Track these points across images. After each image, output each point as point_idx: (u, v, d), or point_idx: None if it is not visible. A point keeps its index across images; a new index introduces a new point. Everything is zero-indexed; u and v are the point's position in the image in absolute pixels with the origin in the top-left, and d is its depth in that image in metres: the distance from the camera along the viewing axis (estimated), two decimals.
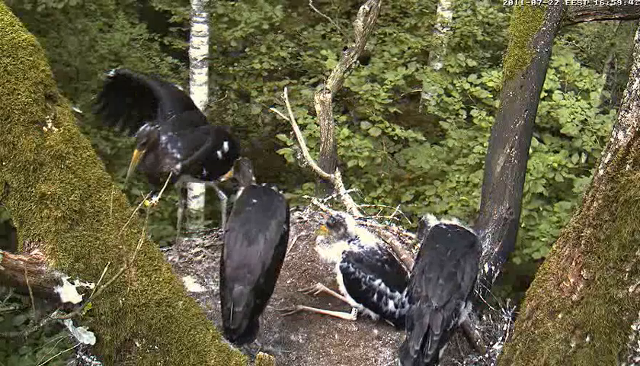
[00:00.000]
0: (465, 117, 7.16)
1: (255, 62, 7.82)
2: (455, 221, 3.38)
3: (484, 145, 6.42)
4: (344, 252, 3.47)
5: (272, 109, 5.99)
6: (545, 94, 6.33)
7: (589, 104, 6.71)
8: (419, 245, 3.46)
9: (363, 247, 3.48)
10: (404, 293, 3.26)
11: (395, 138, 7.10)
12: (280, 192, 3.39)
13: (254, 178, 3.47)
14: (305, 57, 8.05)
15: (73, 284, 2.19)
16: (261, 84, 7.88)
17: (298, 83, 7.79)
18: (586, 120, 6.53)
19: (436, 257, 3.10)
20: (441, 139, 7.43)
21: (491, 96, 7.05)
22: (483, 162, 6.21)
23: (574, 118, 6.47)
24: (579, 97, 6.76)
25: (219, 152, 3.75)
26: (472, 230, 3.41)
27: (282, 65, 8.12)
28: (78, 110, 2.36)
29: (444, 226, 3.31)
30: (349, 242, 3.49)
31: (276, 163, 6.80)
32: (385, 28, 8.34)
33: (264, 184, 3.40)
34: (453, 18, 8.41)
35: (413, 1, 8.91)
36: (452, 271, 3.02)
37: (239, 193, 3.39)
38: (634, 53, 2.18)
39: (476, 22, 8.32)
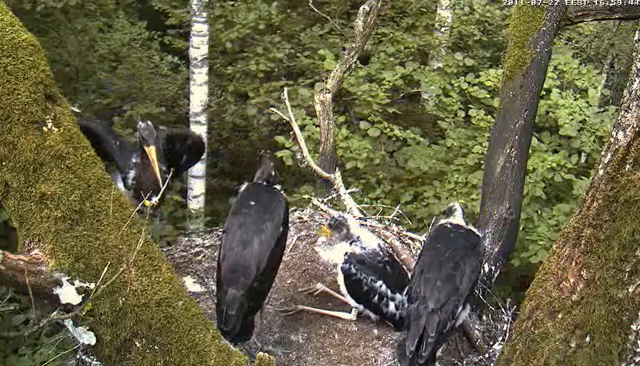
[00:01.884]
0: (463, 116, 7.16)
1: (252, 63, 7.81)
2: (461, 221, 3.36)
3: (483, 145, 6.43)
4: (345, 254, 3.46)
5: (272, 109, 5.99)
6: (544, 93, 6.33)
7: (587, 102, 6.71)
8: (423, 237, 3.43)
9: (365, 248, 3.47)
10: (405, 292, 3.26)
11: (394, 139, 7.10)
12: (282, 192, 3.35)
13: (273, 173, 3.39)
14: (302, 58, 8.05)
15: (73, 284, 2.19)
16: (258, 85, 7.88)
17: (294, 84, 7.78)
18: (585, 120, 6.52)
19: (435, 257, 3.09)
20: (440, 138, 7.43)
21: (489, 96, 7.05)
22: (482, 162, 6.22)
23: (572, 118, 6.46)
24: (577, 96, 6.76)
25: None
26: (476, 231, 3.40)
27: (279, 67, 8.12)
28: (77, 110, 2.36)
29: (449, 226, 3.31)
30: (351, 243, 3.48)
31: (276, 163, 6.79)
32: (383, 28, 8.34)
33: (265, 183, 3.35)
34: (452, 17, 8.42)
35: (411, 1, 8.91)
36: (451, 272, 3.01)
37: (241, 189, 3.35)
38: (634, 53, 2.18)
39: (474, 21, 8.32)
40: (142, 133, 3.42)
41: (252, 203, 3.15)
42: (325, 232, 3.52)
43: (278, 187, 3.38)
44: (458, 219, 3.36)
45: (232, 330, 2.91)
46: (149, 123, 3.46)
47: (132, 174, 3.56)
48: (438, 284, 2.97)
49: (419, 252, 3.48)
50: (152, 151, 3.40)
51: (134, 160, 3.57)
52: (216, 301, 3.08)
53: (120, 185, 3.56)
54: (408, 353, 2.85)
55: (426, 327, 2.87)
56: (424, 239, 4.17)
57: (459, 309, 2.98)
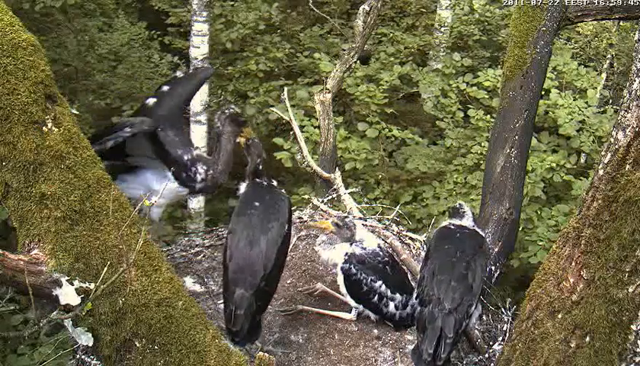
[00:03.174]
0: (462, 116, 7.17)
1: (251, 63, 7.81)
2: (464, 221, 3.35)
3: (482, 145, 6.44)
4: (346, 254, 3.46)
5: (271, 109, 5.99)
6: (543, 93, 6.34)
7: (586, 103, 6.72)
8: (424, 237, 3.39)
9: (365, 249, 3.47)
10: (414, 295, 3.26)
11: (393, 139, 7.11)
12: (283, 190, 3.35)
13: (260, 166, 3.29)
14: (301, 58, 8.05)
15: (73, 284, 2.19)
16: (257, 85, 7.87)
17: (294, 83, 7.78)
18: (584, 120, 6.53)
19: (446, 259, 3.09)
20: (439, 138, 7.44)
21: (487, 96, 7.06)
22: (481, 162, 6.24)
23: (571, 118, 6.47)
24: (576, 97, 6.77)
25: None
26: (480, 231, 3.40)
27: (278, 67, 8.12)
28: (75, 112, 2.35)
29: (453, 227, 3.31)
30: (351, 243, 3.49)
31: (275, 164, 6.79)
32: (383, 28, 8.35)
33: (265, 182, 3.32)
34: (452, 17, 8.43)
35: (411, 1, 8.92)
36: (464, 272, 3.01)
37: (242, 189, 3.35)
38: (634, 53, 2.18)
39: (473, 21, 8.33)
40: (235, 119, 3.36)
41: (257, 203, 3.14)
42: (327, 226, 3.51)
43: (274, 182, 3.35)
44: (466, 220, 3.34)
45: (240, 330, 2.91)
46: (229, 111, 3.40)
47: (201, 168, 3.39)
48: (453, 284, 2.97)
49: (424, 254, 3.47)
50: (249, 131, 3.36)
51: (196, 153, 3.39)
52: (220, 301, 3.08)
53: (159, 185, 3.33)
54: (427, 356, 2.84)
55: (443, 328, 2.87)
56: (424, 239, 4.17)
57: (473, 308, 2.98)
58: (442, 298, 2.94)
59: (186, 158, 3.37)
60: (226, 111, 3.42)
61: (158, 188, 3.30)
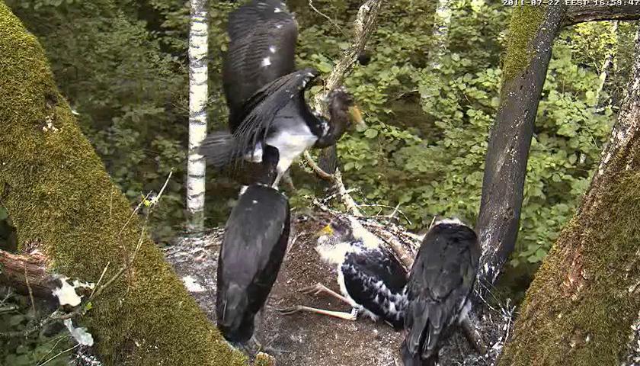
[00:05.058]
0: (461, 117, 7.18)
1: None
2: (455, 220, 3.37)
3: (482, 145, 6.45)
4: (346, 254, 3.46)
5: None
6: (542, 94, 6.35)
7: (585, 104, 6.74)
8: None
9: (365, 249, 3.48)
10: (404, 290, 3.25)
11: (392, 139, 7.11)
12: (282, 193, 3.37)
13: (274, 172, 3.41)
14: (297, 60, 8.04)
15: (73, 284, 2.19)
16: None
17: None
18: (583, 120, 6.55)
19: (436, 252, 3.07)
20: (438, 139, 7.44)
21: (486, 96, 7.07)
22: (480, 162, 6.24)
23: (570, 119, 6.49)
24: (575, 98, 6.79)
25: None
26: (471, 227, 3.41)
27: None
28: (75, 113, 2.35)
29: (444, 223, 3.33)
30: (352, 243, 3.49)
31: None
32: (381, 29, 8.34)
33: (266, 184, 3.36)
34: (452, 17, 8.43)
35: (409, 1, 8.92)
36: (455, 263, 2.98)
37: (242, 190, 3.37)
38: (634, 53, 2.18)
39: (472, 21, 8.33)
40: (343, 97, 3.65)
41: (255, 202, 3.16)
42: (328, 231, 3.52)
43: (276, 187, 3.39)
44: (453, 218, 3.37)
45: (231, 326, 2.89)
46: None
47: (327, 124, 3.68)
48: (444, 272, 2.93)
49: (416, 254, 3.48)
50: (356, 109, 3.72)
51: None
52: (216, 298, 3.08)
53: (293, 140, 3.61)
54: (413, 349, 2.77)
55: (429, 319, 2.81)
56: (421, 239, 4.18)
57: (462, 303, 2.95)
58: (431, 288, 2.88)
59: (316, 114, 3.71)
60: (335, 90, 3.76)
61: (293, 142, 3.60)
